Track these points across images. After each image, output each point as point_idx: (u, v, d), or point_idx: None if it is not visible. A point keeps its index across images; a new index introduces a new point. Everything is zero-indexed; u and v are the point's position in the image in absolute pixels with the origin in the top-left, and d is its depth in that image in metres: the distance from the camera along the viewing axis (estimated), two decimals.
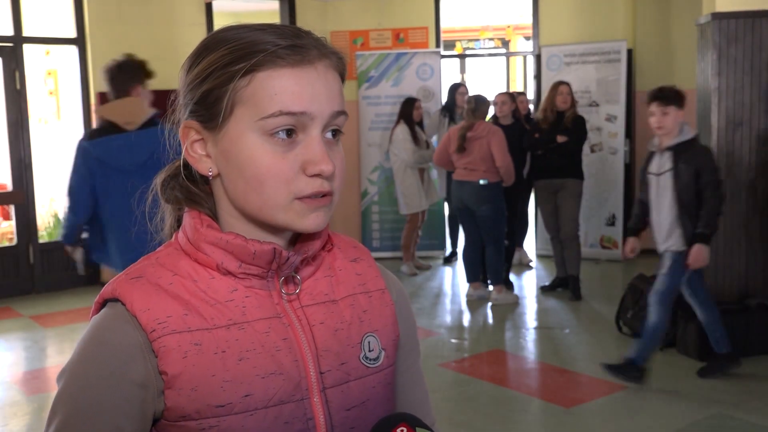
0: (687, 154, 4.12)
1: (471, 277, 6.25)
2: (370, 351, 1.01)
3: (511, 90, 9.58)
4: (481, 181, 5.86)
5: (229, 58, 0.90)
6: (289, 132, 0.90)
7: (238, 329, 0.93)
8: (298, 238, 0.99)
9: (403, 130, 7.01)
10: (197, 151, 0.95)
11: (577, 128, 6.12)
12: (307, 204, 0.91)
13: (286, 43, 0.90)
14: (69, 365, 0.92)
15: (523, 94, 7.69)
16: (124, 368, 0.89)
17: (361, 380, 0.99)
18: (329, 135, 0.93)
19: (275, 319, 0.95)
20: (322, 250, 1.03)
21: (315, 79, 0.91)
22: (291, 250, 0.98)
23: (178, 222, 1.02)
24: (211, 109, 0.92)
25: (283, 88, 0.89)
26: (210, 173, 0.95)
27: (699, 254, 4.11)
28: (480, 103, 5.97)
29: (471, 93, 7.53)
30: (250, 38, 0.90)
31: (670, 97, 4.13)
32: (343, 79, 0.97)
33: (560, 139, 6.08)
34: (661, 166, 4.21)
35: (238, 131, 0.91)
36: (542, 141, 6.17)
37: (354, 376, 0.99)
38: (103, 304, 0.95)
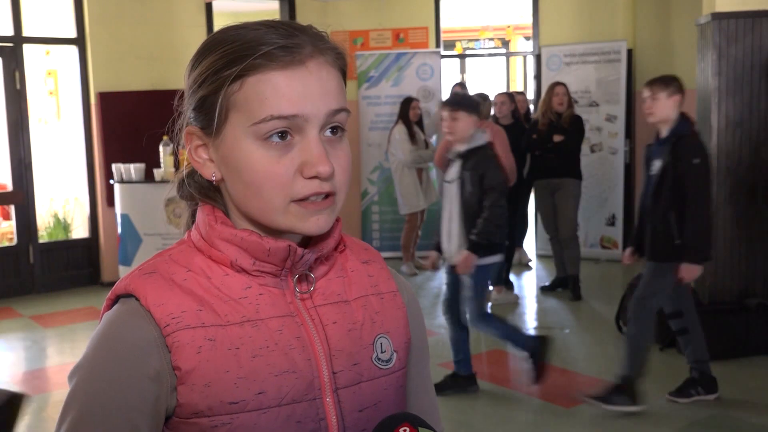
0: (473, 161, 3.98)
1: None
2: (382, 352, 1.00)
3: (511, 90, 9.59)
4: None
5: (221, 63, 0.90)
6: (283, 135, 0.89)
7: (251, 326, 0.92)
8: (309, 241, 0.98)
9: (400, 130, 7.01)
10: (201, 155, 0.95)
11: (574, 128, 6.13)
12: (306, 207, 0.90)
13: (279, 43, 0.89)
14: (82, 361, 0.92)
15: (522, 93, 7.69)
16: (138, 364, 0.89)
17: (373, 381, 0.99)
18: (329, 133, 0.92)
19: (288, 317, 0.95)
20: (335, 251, 1.02)
21: (306, 79, 0.89)
22: (306, 248, 0.97)
23: (193, 218, 1.02)
24: (207, 115, 0.92)
25: (273, 91, 0.88)
26: (213, 178, 0.95)
27: (465, 261, 3.95)
28: (482, 102, 5.98)
29: (470, 92, 7.57)
30: (243, 39, 0.90)
31: (459, 102, 4.04)
32: (344, 74, 0.95)
33: (556, 138, 6.09)
34: (452, 173, 4.11)
35: (233, 137, 0.91)
36: (539, 141, 6.18)
37: (366, 377, 0.98)
38: (115, 300, 0.94)
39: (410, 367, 1.08)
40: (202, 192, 0.99)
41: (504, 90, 8.51)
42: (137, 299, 0.91)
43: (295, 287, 0.96)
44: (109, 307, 0.95)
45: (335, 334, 0.97)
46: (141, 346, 0.89)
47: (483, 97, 6.05)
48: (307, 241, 0.98)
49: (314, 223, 0.91)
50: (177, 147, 1.02)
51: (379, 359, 1.00)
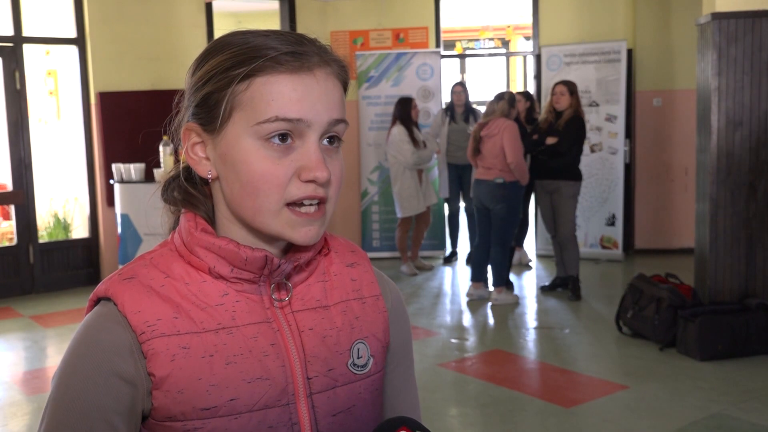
0: None
1: (475, 277, 6.24)
2: (358, 358, 1.02)
3: (516, 91, 9.56)
4: (497, 180, 5.83)
5: (230, 63, 0.91)
6: (284, 137, 0.90)
7: (226, 333, 0.94)
8: (293, 245, 0.99)
9: (400, 131, 6.92)
10: (197, 153, 0.96)
11: (569, 130, 6.06)
12: (298, 216, 0.91)
13: (286, 49, 0.90)
14: (61, 363, 0.94)
15: (524, 94, 7.65)
16: (113, 366, 0.90)
17: (348, 386, 1.00)
18: (326, 142, 0.93)
19: (265, 324, 0.96)
20: (318, 254, 1.03)
21: (313, 86, 0.91)
22: (284, 257, 0.98)
23: (177, 222, 1.03)
24: (210, 112, 0.93)
25: (280, 93, 0.89)
26: (209, 176, 0.96)
27: None
28: (495, 101, 5.95)
29: (470, 92, 7.56)
30: (252, 43, 0.91)
31: None
32: (345, 87, 0.97)
33: (549, 140, 6.08)
34: None
35: (235, 135, 0.91)
36: (534, 143, 6.17)
37: (341, 382, 0.99)
38: (96, 302, 0.96)
39: (391, 368, 1.10)
40: (186, 198, 1.00)
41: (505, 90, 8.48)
42: (115, 304, 0.92)
43: (272, 295, 0.98)
44: (91, 308, 0.96)
45: (311, 340, 0.98)
46: (116, 350, 0.91)
47: (498, 96, 5.99)
48: (290, 245, 0.99)
49: (305, 233, 0.93)
50: (177, 146, 1.03)
51: (354, 365, 1.01)
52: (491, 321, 5.78)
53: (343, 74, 0.96)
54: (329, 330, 1.00)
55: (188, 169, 1.01)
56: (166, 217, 1.05)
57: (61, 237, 7.36)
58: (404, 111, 6.94)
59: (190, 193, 1.00)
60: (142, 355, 0.91)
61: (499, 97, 5.96)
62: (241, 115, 0.91)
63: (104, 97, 6.92)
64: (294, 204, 0.91)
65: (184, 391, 0.91)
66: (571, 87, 6.11)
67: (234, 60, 0.91)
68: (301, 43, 0.92)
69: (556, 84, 6.21)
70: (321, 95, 0.91)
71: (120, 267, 1.01)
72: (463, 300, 6.29)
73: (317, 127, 0.91)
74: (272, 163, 0.90)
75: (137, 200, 6.47)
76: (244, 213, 0.93)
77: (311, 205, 0.92)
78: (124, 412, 0.91)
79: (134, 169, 6.53)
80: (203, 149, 0.96)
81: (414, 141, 6.91)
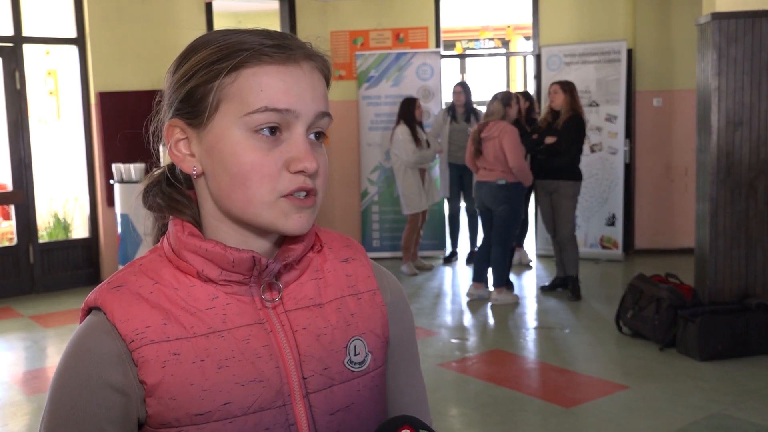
0: None
1: (476, 277, 6.24)
2: (355, 355, 1.00)
3: (515, 91, 9.56)
4: (499, 182, 5.83)
5: (216, 57, 0.91)
6: (273, 130, 0.90)
7: (217, 337, 0.93)
8: (284, 239, 0.98)
9: (403, 130, 6.97)
10: (181, 150, 0.95)
11: (568, 129, 6.06)
12: (292, 202, 0.91)
13: (272, 42, 0.91)
14: (54, 376, 0.94)
15: (524, 94, 7.65)
16: (104, 376, 0.90)
17: (346, 384, 0.99)
18: (312, 137, 0.93)
19: (257, 325, 0.95)
20: (310, 251, 1.02)
21: (301, 78, 0.91)
22: (275, 254, 0.98)
23: (161, 229, 1.03)
24: (196, 106, 0.92)
25: (269, 84, 0.89)
26: (194, 172, 0.95)
27: None
28: (491, 103, 5.95)
29: (471, 92, 7.57)
30: (235, 38, 0.91)
31: None
32: (328, 82, 0.97)
33: (548, 140, 6.08)
34: None
35: (222, 127, 0.91)
36: (533, 142, 6.17)
37: (338, 381, 0.98)
38: (88, 311, 0.96)
39: (394, 363, 1.08)
40: (170, 205, 0.99)
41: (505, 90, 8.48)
42: (104, 313, 0.92)
43: (262, 295, 0.97)
44: (83, 318, 0.96)
45: (305, 339, 0.97)
46: (106, 359, 0.91)
47: (496, 96, 5.99)
48: (281, 241, 0.98)
49: (296, 221, 0.92)
50: (154, 146, 1.02)
51: (351, 362, 1.00)
52: (491, 321, 5.78)
53: (326, 69, 0.96)
54: (324, 328, 0.98)
55: (171, 170, 1.00)
56: (149, 223, 1.05)
57: (61, 237, 7.35)
58: (408, 111, 7.00)
59: (173, 198, 0.99)
60: (133, 363, 0.90)
61: (494, 98, 5.97)
62: (228, 107, 0.90)
63: (104, 97, 6.92)
64: (286, 195, 0.91)
65: (176, 398, 0.90)
66: (564, 86, 6.11)
67: (220, 54, 0.91)
68: (285, 37, 0.93)
69: (552, 83, 6.23)
70: (308, 87, 0.91)
71: (120, 268, 1.00)
72: (464, 300, 6.29)
73: (305, 119, 0.91)
74: (262, 155, 0.90)
75: (137, 200, 6.47)
76: (233, 206, 0.92)
77: (300, 195, 0.92)
78: (117, 422, 0.91)
79: (134, 169, 6.53)
80: (187, 146, 0.95)
81: (416, 140, 6.95)
